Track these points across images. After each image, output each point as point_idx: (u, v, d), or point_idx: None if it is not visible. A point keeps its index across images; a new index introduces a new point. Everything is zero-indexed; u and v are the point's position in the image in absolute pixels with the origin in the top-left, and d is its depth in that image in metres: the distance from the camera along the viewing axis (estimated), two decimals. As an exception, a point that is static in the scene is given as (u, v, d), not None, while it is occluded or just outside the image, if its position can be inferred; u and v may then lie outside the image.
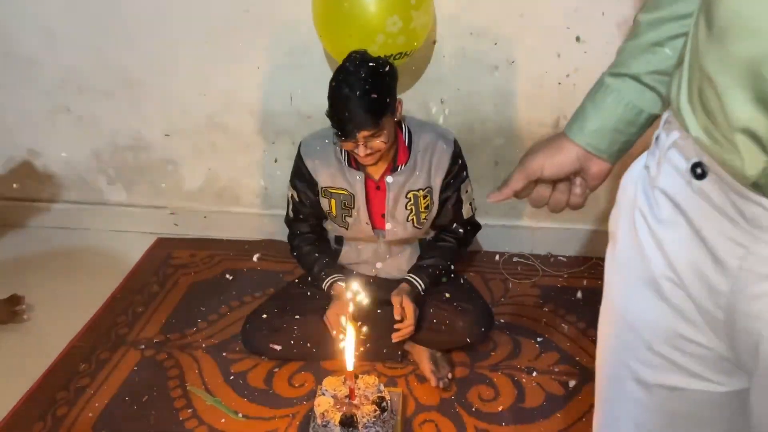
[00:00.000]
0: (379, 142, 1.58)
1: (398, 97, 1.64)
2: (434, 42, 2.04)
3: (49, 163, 2.46)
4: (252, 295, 2.14)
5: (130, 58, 2.20)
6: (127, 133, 2.36)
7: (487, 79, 2.08)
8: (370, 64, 1.56)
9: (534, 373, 1.78)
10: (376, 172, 1.73)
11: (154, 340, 1.93)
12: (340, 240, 1.91)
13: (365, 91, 1.52)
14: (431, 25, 1.92)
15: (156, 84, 2.24)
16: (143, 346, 1.91)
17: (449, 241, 1.83)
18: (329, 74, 2.10)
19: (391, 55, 1.75)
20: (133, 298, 2.12)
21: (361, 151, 1.58)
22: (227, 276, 2.24)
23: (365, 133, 1.54)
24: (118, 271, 2.25)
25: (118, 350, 1.89)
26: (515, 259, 2.30)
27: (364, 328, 1.71)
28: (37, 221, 2.54)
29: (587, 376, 1.77)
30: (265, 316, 1.80)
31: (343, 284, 1.77)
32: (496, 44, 2.02)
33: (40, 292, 2.17)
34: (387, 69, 1.58)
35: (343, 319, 1.66)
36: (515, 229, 2.32)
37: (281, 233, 2.05)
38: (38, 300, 2.12)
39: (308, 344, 1.79)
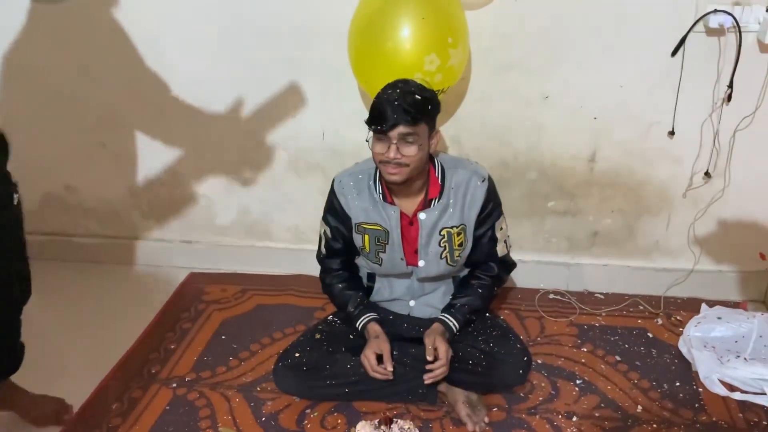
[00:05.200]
0: (411, 150, 1.57)
1: (437, 131, 1.66)
2: (466, 78, 2.03)
3: (85, 198, 2.49)
4: (282, 332, 2.12)
5: (166, 95, 2.23)
6: (161, 169, 2.38)
7: (521, 113, 2.07)
8: (418, 83, 1.62)
9: (574, 418, 1.72)
10: (409, 207, 1.72)
11: (186, 378, 1.92)
12: (372, 277, 1.89)
13: (411, 92, 1.57)
14: (466, 61, 1.91)
15: (190, 120, 2.26)
16: (175, 385, 1.89)
17: (484, 279, 1.80)
18: (362, 111, 2.12)
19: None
20: (166, 335, 2.12)
21: (392, 153, 1.56)
22: (258, 312, 2.23)
23: (402, 129, 1.54)
24: (151, 306, 2.25)
25: (150, 388, 1.88)
26: (551, 296, 2.25)
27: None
28: (72, 256, 2.57)
29: (630, 422, 1.70)
30: (297, 354, 1.78)
31: (377, 324, 1.74)
32: (529, 79, 2.01)
33: (73, 327, 2.19)
34: (432, 91, 1.63)
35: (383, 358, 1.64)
36: (550, 264, 2.27)
37: (312, 268, 2.03)
38: (71, 335, 2.14)
39: (342, 384, 1.76)
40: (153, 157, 2.36)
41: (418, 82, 1.64)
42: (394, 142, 1.56)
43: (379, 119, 1.56)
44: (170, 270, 2.48)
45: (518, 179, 2.17)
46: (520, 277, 2.28)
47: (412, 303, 1.86)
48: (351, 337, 1.82)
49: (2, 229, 1.51)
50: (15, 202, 1.53)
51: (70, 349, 2.08)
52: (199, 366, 1.97)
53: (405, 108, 1.53)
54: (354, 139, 2.15)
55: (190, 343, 2.07)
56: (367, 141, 1.61)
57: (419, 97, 1.56)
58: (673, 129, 1.99)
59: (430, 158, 1.70)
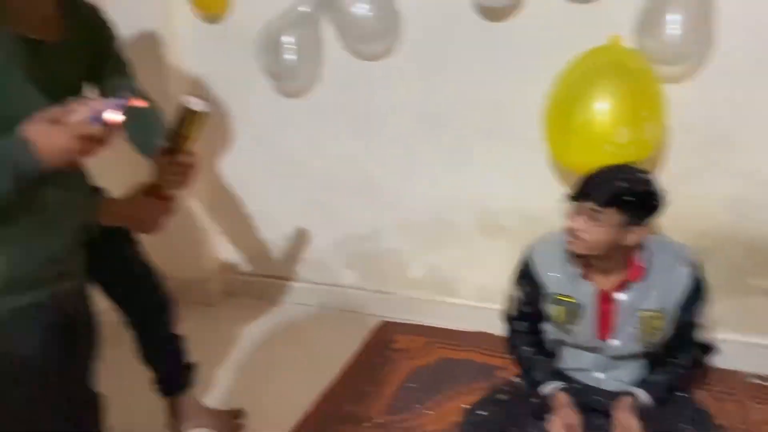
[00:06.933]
0: (589, 228, 1.58)
1: (644, 227, 1.63)
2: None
3: (298, 246, 2.83)
4: (466, 386, 2.21)
5: (373, 161, 2.51)
6: (364, 224, 2.64)
7: (723, 187, 2.01)
8: (647, 177, 1.62)
9: None
10: (606, 284, 1.73)
11: (379, 421, 2.08)
12: (558, 343, 1.92)
13: (617, 178, 1.58)
14: (662, 134, 1.92)
15: (392, 183, 2.52)
16: (368, 425, 2.06)
17: (681, 360, 1.75)
18: (553, 181, 2.20)
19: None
20: (359, 377, 2.31)
21: (573, 223, 1.61)
22: (442, 364, 2.35)
23: (589, 204, 1.57)
24: (346, 349, 2.46)
25: (345, 427, 2.06)
26: (755, 380, 2.09)
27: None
28: (279, 297, 2.91)
29: None
30: (485, 413, 1.84)
31: (566, 394, 1.77)
32: (734, 152, 1.95)
33: (274, 363, 2.46)
34: (646, 191, 1.60)
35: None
36: (755, 346, 2.13)
37: (495, 327, 2.11)
38: (273, 372, 2.40)
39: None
40: (358, 213, 2.63)
41: (641, 174, 1.63)
42: (581, 215, 1.61)
43: (576, 190, 1.62)
44: (364, 317, 2.69)
45: (720, 253, 2.08)
46: (720, 357, 2.15)
47: (601, 375, 1.84)
48: (535, 401, 1.86)
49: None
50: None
51: (268, 384, 2.33)
52: (390, 410, 2.12)
53: (601, 187, 1.57)
54: (544, 207, 2.21)
55: (381, 388, 2.24)
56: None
57: (622, 186, 1.56)
58: None
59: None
